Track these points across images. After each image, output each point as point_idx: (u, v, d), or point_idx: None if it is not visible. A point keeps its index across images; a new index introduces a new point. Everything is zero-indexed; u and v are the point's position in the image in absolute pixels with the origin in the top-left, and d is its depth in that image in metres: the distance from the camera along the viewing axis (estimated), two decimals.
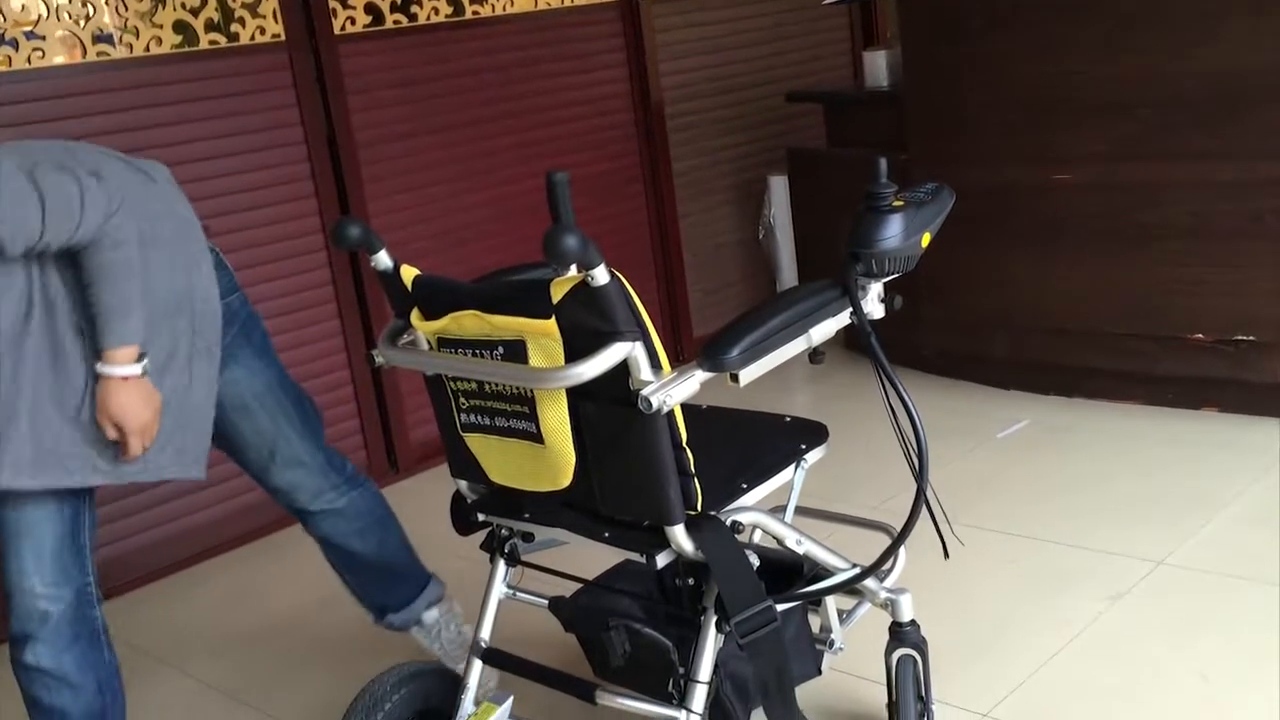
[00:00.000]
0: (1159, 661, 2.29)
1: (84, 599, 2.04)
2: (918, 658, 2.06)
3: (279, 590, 2.59)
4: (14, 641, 2.00)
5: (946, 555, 1.83)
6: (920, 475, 1.70)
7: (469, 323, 1.76)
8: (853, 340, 4.42)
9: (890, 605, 2.07)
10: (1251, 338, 3.29)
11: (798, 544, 1.92)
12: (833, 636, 2.10)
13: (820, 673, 2.07)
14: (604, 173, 4.33)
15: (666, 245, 4.61)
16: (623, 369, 1.64)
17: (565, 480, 1.79)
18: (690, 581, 1.92)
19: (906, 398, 1.70)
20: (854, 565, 2.00)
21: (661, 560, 1.77)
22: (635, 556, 1.81)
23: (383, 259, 1.86)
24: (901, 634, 2.07)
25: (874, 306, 1.82)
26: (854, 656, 2.13)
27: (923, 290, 3.73)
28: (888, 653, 2.07)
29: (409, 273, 1.85)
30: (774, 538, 1.93)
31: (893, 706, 2.09)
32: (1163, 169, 3.34)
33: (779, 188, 4.71)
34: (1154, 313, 3.45)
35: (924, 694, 2.08)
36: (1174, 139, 3.30)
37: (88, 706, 2.04)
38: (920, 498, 1.71)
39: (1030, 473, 3.23)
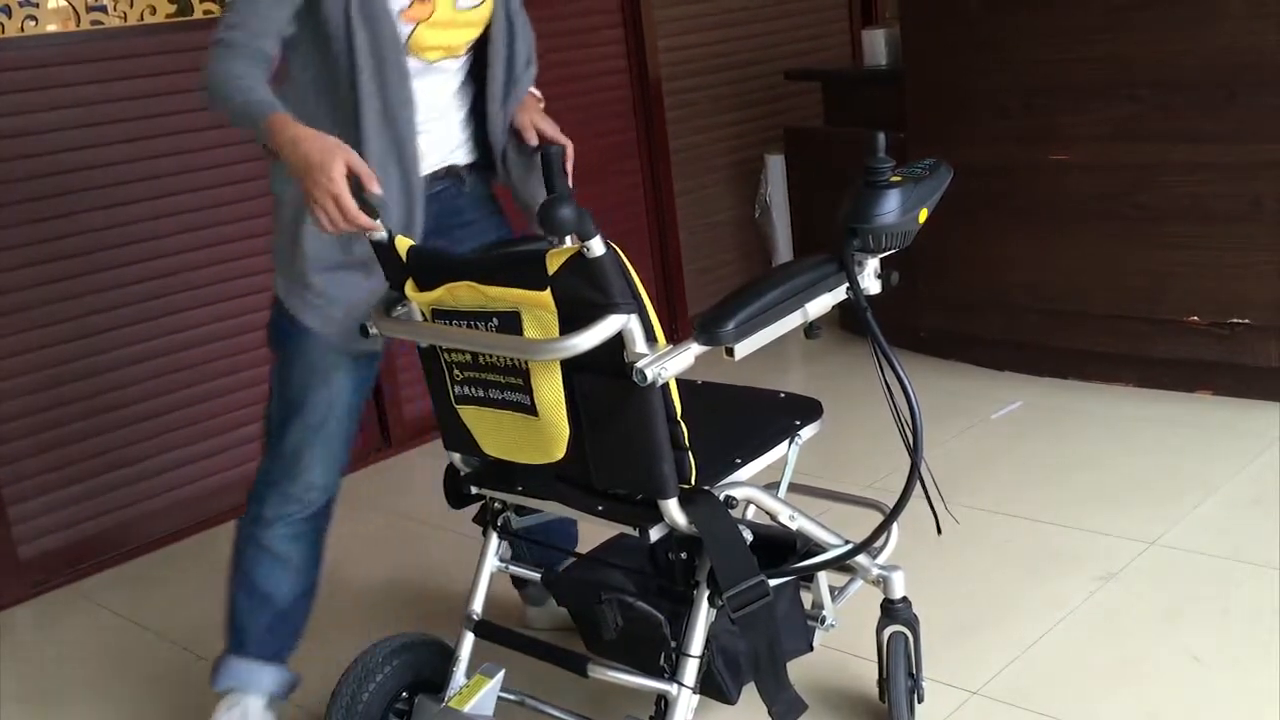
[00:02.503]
0: (1150, 642, 2.29)
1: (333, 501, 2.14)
2: (909, 634, 2.07)
3: None
4: (260, 519, 2.05)
5: (939, 531, 1.83)
6: (914, 451, 1.70)
7: (464, 294, 1.75)
8: (848, 320, 4.43)
9: (882, 582, 2.07)
10: (1246, 321, 3.29)
11: (791, 519, 1.92)
12: (824, 613, 2.10)
13: (812, 649, 2.07)
14: (600, 149, 4.32)
15: (662, 223, 4.59)
16: (618, 341, 1.63)
17: (559, 453, 1.78)
18: (683, 556, 1.92)
19: (901, 373, 1.70)
20: (847, 542, 2.00)
21: (655, 534, 1.77)
22: (628, 530, 1.81)
23: (378, 229, 1.85)
24: (893, 611, 2.07)
25: (870, 282, 1.82)
26: (846, 633, 2.13)
27: (919, 270, 3.73)
28: (879, 629, 2.08)
29: (404, 243, 1.84)
30: (767, 513, 1.93)
31: (883, 683, 2.09)
32: (1162, 151, 3.33)
33: (776, 166, 4.69)
34: (1150, 295, 3.45)
35: (915, 671, 2.08)
36: (1173, 121, 3.29)
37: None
38: (914, 473, 1.70)
39: (1024, 454, 3.23)
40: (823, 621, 2.10)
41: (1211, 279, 3.32)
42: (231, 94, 1.83)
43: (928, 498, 1.77)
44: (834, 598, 2.11)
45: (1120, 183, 3.42)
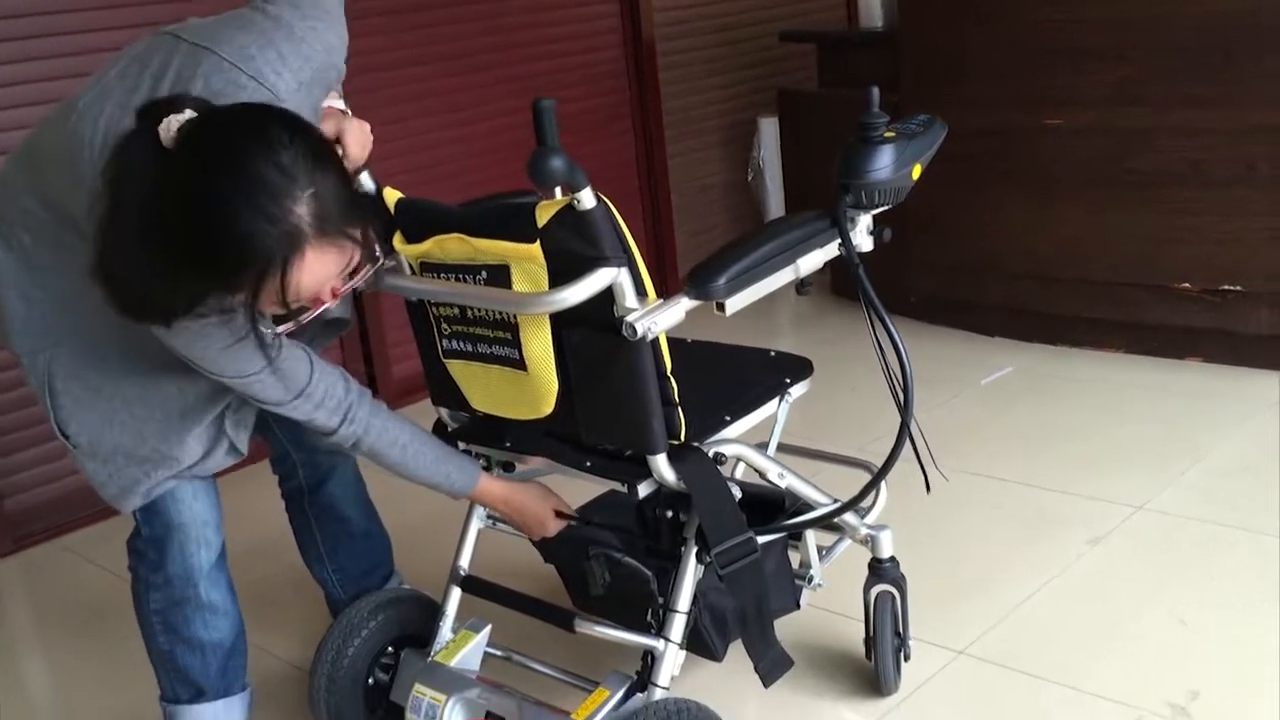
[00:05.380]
0: (1137, 605, 2.30)
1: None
2: (896, 594, 2.07)
3: (253, 516, 2.58)
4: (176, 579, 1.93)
5: (929, 489, 1.83)
6: (905, 409, 1.69)
7: (452, 246, 1.73)
8: (840, 284, 4.42)
9: (870, 541, 2.07)
10: (1239, 287, 3.28)
11: (780, 477, 1.91)
12: (812, 572, 2.10)
13: (799, 607, 2.07)
14: (592, 109, 4.28)
15: (654, 185, 4.57)
16: (608, 295, 1.62)
17: (547, 408, 1.77)
18: (671, 513, 1.91)
19: (892, 329, 1.69)
20: (836, 501, 1.99)
21: (643, 490, 1.76)
22: (617, 486, 1.80)
23: (365, 181, 1.82)
24: (881, 570, 2.07)
25: (863, 239, 1.80)
26: (833, 593, 2.13)
27: (911, 235, 3.70)
28: (866, 588, 2.08)
29: (392, 195, 1.82)
30: (756, 471, 1.92)
31: (870, 642, 2.10)
32: (1157, 115, 3.31)
33: (769, 129, 4.66)
34: (1143, 261, 3.44)
35: (901, 630, 2.08)
36: (1169, 85, 3.27)
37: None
38: (904, 431, 1.70)
39: (1013, 419, 3.23)
40: (810, 580, 2.10)
41: (1204, 245, 3.31)
42: (420, 468, 1.87)
43: (917, 455, 1.77)
44: (822, 557, 2.11)
45: (1115, 147, 3.40)
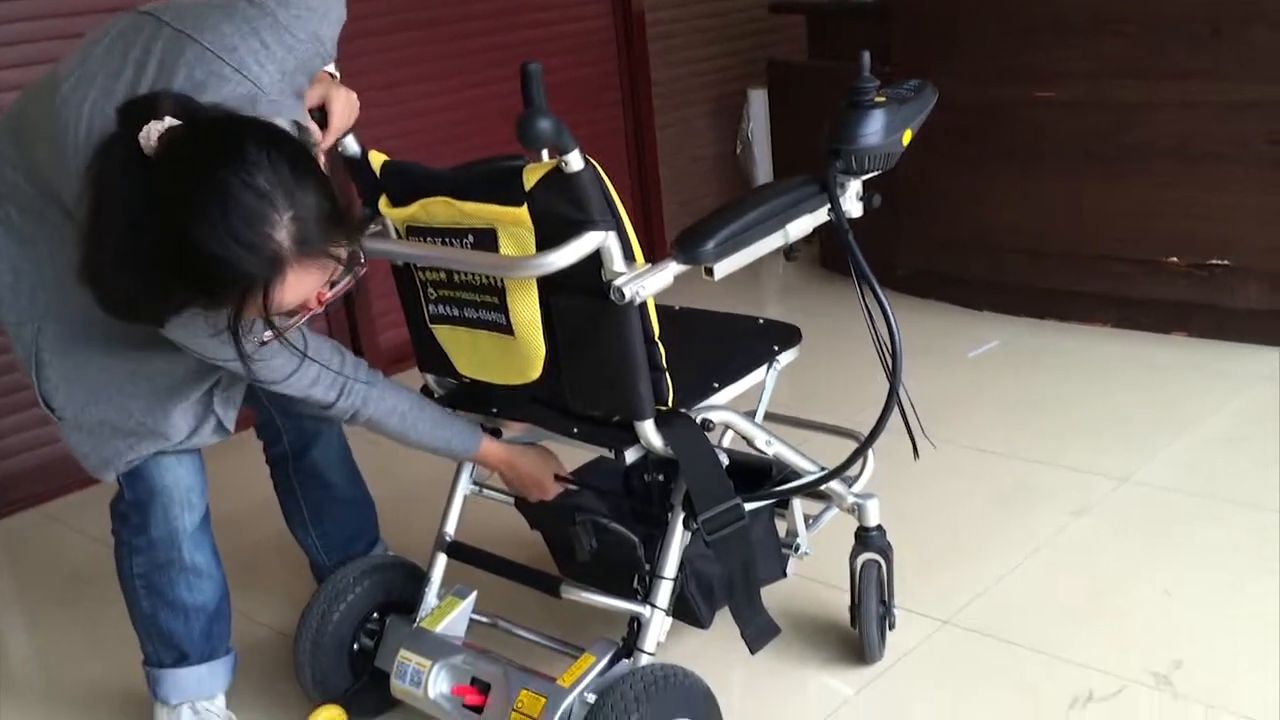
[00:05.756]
0: (1121, 576, 2.31)
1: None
2: (882, 562, 2.07)
3: (238, 484, 2.57)
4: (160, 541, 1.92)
5: (916, 455, 1.82)
6: (893, 374, 1.69)
7: (439, 210, 1.72)
8: (828, 258, 4.41)
9: (857, 509, 2.07)
10: (1226, 262, 3.29)
11: (767, 444, 1.91)
12: (799, 541, 2.10)
13: (785, 575, 2.07)
14: (581, 79, 4.25)
15: (643, 156, 4.54)
16: (595, 259, 1.60)
17: (535, 373, 1.76)
18: (659, 479, 1.91)
19: (880, 294, 1.68)
20: (823, 469, 1.99)
21: (630, 456, 1.75)
22: (604, 452, 1.79)
23: (350, 144, 1.81)
24: (867, 538, 2.07)
25: (852, 205, 1.79)
26: (819, 562, 2.13)
27: (900, 208, 3.70)
28: (852, 556, 2.08)
29: (377, 158, 1.80)
30: (743, 438, 1.92)
31: (855, 609, 2.10)
32: (1149, 89, 3.30)
33: (758, 101, 4.64)
34: (1131, 235, 3.44)
35: (887, 598, 2.09)
36: (1161, 59, 3.26)
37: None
38: (892, 397, 1.69)
39: (1000, 392, 3.23)
40: (797, 549, 2.10)
41: (1193, 219, 3.31)
42: (422, 434, 1.87)
43: (905, 422, 1.76)
44: (808, 526, 2.12)
45: (1105, 121, 3.40)
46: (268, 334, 1.57)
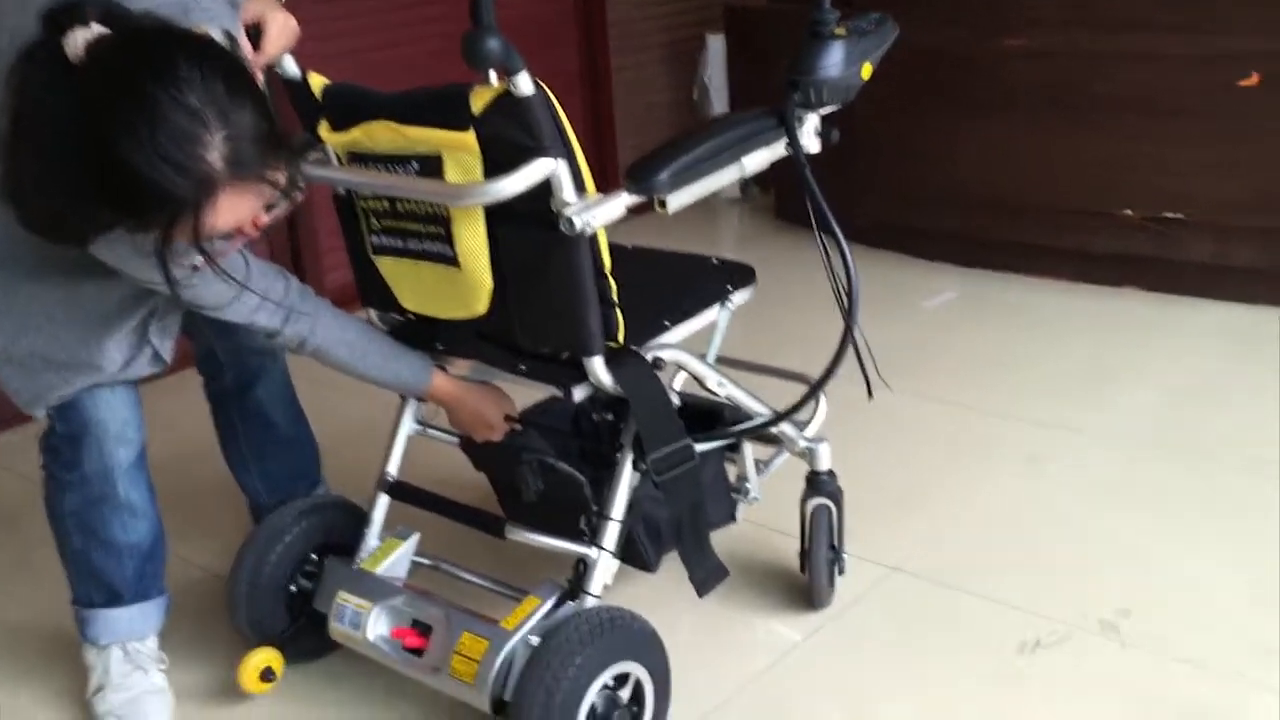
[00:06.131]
0: (1072, 525, 2.30)
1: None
2: (833, 507, 2.04)
3: (177, 423, 2.49)
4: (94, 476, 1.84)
5: (870, 395, 1.79)
6: (849, 313, 1.65)
7: (381, 134, 1.64)
8: (784, 208, 4.36)
9: (808, 454, 2.04)
10: (1181, 215, 3.28)
11: (719, 386, 1.87)
12: (749, 485, 2.07)
13: (735, 520, 2.04)
14: (535, 16, 4.15)
15: (598, 100, 4.46)
16: (545, 188, 1.54)
17: (481, 308, 1.70)
18: (608, 418, 1.87)
19: (837, 231, 1.64)
20: (775, 411, 1.96)
21: (579, 394, 1.70)
22: (552, 390, 1.74)
23: (288, 65, 1.73)
24: (818, 483, 2.04)
25: (810, 139, 1.74)
26: (769, 508, 2.10)
27: (860, 157, 3.65)
28: (803, 500, 2.05)
29: (318, 81, 1.72)
30: (695, 379, 1.87)
31: (805, 555, 2.07)
32: (1115, 39, 3.26)
33: (716, 47, 4.56)
34: (1089, 188, 3.42)
35: (837, 543, 2.06)
36: (1128, 8, 3.23)
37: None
38: (847, 337, 1.65)
39: (955, 343, 3.21)
40: (747, 494, 2.07)
41: (1152, 173, 3.29)
42: (371, 367, 1.82)
43: (860, 363, 1.73)
44: (759, 471, 2.08)
45: (1071, 71, 3.36)
46: (199, 259, 1.50)
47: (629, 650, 1.68)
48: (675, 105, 4.80)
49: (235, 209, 1.41)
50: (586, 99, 4.44)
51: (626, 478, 1.74)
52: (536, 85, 1.50)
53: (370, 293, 1.87)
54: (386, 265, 1.80)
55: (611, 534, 1.73)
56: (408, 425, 1.99)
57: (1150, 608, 2.02)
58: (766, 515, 2.17)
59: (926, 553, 2.23)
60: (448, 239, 1.66)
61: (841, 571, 2.08)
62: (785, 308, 3.00)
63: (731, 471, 2.05)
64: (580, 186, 1.57)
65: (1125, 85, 3.26)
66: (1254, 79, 3.04)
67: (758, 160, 1.71)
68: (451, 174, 1.60)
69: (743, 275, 1.96)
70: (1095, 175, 3.40)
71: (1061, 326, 3.25)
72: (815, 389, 1.74)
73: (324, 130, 1.72)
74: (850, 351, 1.70)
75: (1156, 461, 2.50)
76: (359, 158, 1.70)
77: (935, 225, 3.79)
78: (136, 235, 1.46)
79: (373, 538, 1.96)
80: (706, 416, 1.98)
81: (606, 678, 1.64)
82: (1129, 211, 3.35)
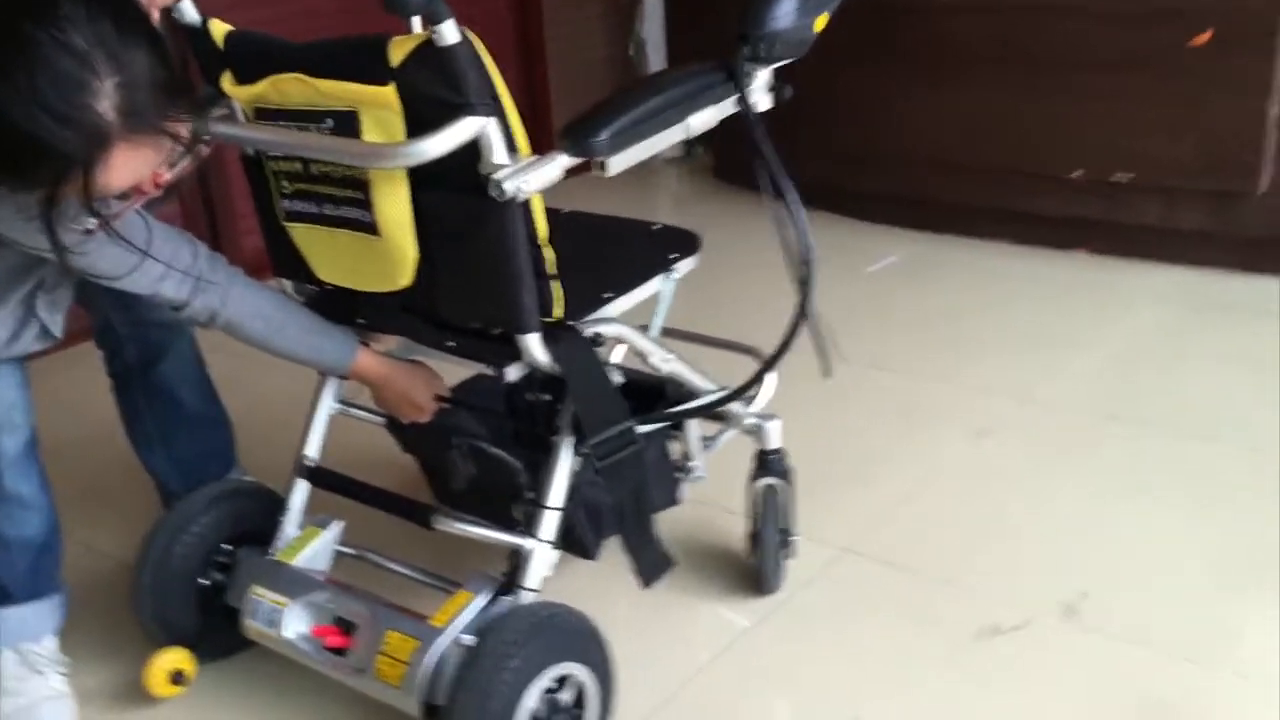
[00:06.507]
0: (1023, 499, 2.22)
1: None
2: (783, 486, 1.94)
3: (78, 401, 2.32)
4: None
5: (828, 374, 1.68)
6: (804, 283, 1.53)
7: (292, 88, 1.49)
8: (722, 169, 4.23)
9: (757, 431, 1.93)
10: (1131, 176, 3.20)
11: (664, 361, 1.75)
12: (694, 464, 1.95)
13: (679, 502, 1.93)
14: None
15: (530, 54, 4.29)
16: (473, 150, 1.40)
17: (405, 280, 1.56)
18: (545, 398, 1.74)
19: (793, 194, 1.52)
20: (723, 389, 1.84)
21: (513, 374, 1.57)
22: (483, 369, 1.61)
23: (187, 10, 1.56)
24: (768, 462, 1.93)
25: (761, 96, 1.62)
26: (713, 486, 1.99)
27: (800, 117, 3.52)
28: (751, 480, 1.94)
29: (220, 28, 1.56)
30: (638, 354, 1.75)
31: (753, 537, 1.97)
32: None
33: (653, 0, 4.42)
34: (1035, 148, 3.33)
35: (787, 525, 1.96)
36: None
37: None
38: (802, 309, 1.54)
39: (898, 308, 3.12)
40: (691, 473, 1.96)
41: (1098, 132, 3.21)
42: (289, 341, 1.68)
43: (816, 337, 1.61)
44: (704, 448, 1.97)
45: (1014, 27, 3.26)
46: (92, 222, 1.34)
47: (570, 649, 1.56)
48: (611, 61, 4.64)
49: (131, 166, 1.27)
50: (518, 53, 4.27)
51: (565, 463, 1.62)
52: (462, 34, 1.35)
53: (283, 262, 1.72)
54: (300, 233, 1.64)
55: (549, 523, 1.61)
56: (328, 404, 1.84)
57: (1109, 588, 1.94)
58: (711, 492, 2.06)
59: (877, 532, 2.14)
60: (366, 204, 1.52)
61: (792, 554, 1.98)
62: (727, 274, 2.89)
63: (674, 449, 1.93)
64: (512, 147, 1.43)
65: (1074, 42, 3.17)
66: (1206, 36, 2.96)
67: (704, 119, 1.58)
68: (369, 133, 1.45)
69: (686, 242, 1.84)
70: (1043, 135, 3.31)
71: (1009, 290, 3.18)
72: (768, 365, 1.63)
73: (227, 83, 1.56)
74: (798, 325, 1.58)
75: (1110, 431, 2.43)
76: (267, 114, 1.54)
77: (878, 187, 3.69)
78: (19, 195, 1.30)
79: (291, 526, 1.82)
80: (649, 393, 1.86)
81: (547, 680, 1.52)
82: (1078, 173, 3.27)
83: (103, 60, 1.20)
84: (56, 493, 1.78)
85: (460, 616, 1.59)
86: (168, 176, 1.34)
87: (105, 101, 1.20)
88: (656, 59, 4.48)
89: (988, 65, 3.33)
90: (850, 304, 3.12)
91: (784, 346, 1.57)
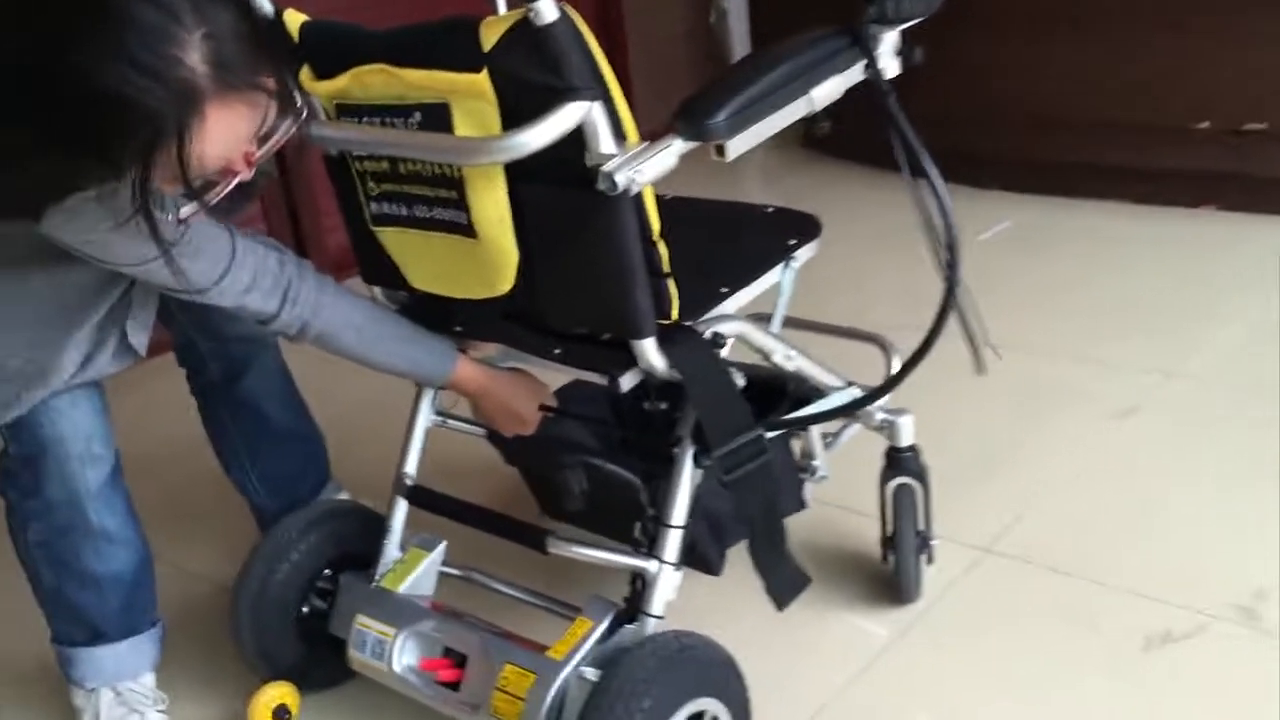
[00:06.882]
0: (1181, 486, 2.03)
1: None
2: (919, 487, 1.78)
3: (168, 411, 2.23)
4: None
5: (982, 370, 1.52)
6: (950, 267, 1.38)
7: (375, 81, 1.36)
8: (811, 137, 4.05)
9: (888, 428, 1.77)
10: (1262, 126, 2.96)
11: (787, 359, 1.59)
12: (816, 463, 1.81)
13: (805, 506, 1.78)
14: None
15: (609, 28, 4.13)
16: (578, 138, 1.26)
17: (505, 284, 1.43)
18: (662, 406, 1.60)
19: (933, 169, 1.36)
20: (850, 383, 1.69)
21: (627, 382, 1.43)
22: (594, 377, 1.47)
23: (261, 1, 1.43)
24: (900, 460, 1.78)
25: (889, 60, 1.45)
26: (836, 484, 1.84)
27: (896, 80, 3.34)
28: (883, 481, 1.79)
29: (295, 18, 1.43)
30: (758, 352, 1.60)
31: (888, 541, 1.81)
32: None
33: None
34: (1155, 100, 3.10)
35: (924, 527, 1.80)
36: None
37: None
38: (950, 296, 1.38)
39: (1018, 279, 2.92)
40: (814, 473, 1.81)
41: (1226, 80, 2.97)
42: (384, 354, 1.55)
43: (965, 327, 1.45)
44: (826, 446, 1.82)
45: None
46: (186, 208, 1.22)
47: (705, 684, 1.42)
48: (693, 36, 4.46)
49: (227, 129, 1.15)
50: (597, 29, 4.10)
51: (687, 478, 1.47)
52: (561, 11, 1.21)
53: (372, 269, 1.60)
54: (390, 238, 1.52)
55: (672, 544, 1.47)
56: (426, 416, 1.72)
57: None
58: (830, 491, 1.90)
59: (1019, 530, 1.97)
60: (461, 204, 1.38)
61: (930, 560, 1.82)
62: (829, 252, 2.72)
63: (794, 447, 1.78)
64: (620, 134, 1.28)
65: None
66: None
67: (828, 90, 1.42)
68: (462, 126, 1.31)
69: (805, 226, 1.68)
70: (1160, 85, 3.08)
71: (1133, 254, 2.96)
72: (913, 361, 1.46)
73: (306, 78, 1.43)
74: (945, 314, 1.42)
75: (1268, 407, 2.21)
76: (349, 110, 1.42)
77: (983, 149, 3.46)
78: (104, 191, 1.20)
79: (393, 548, 1.70)
80: (768, 391, 1.70)
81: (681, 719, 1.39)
82: (1204, 124, 3.04)
83: (188, 11, 1.09)
84: (144, 512, 1.69)
85: (580, 648, 1.46)
86: (260, 152, 1.23)
87: (194, 54, 1.09)
88: (739, 28, 4.30)
89: (1108, 13, 3.10)
90: (964, 276, 2.92)
91: (930, 339, 1.41)
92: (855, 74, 1.43)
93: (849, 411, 1.64)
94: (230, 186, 1.24)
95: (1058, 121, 3.29)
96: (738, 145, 1.32)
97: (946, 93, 3.45)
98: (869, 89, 1.42)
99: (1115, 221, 3.17)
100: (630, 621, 1.48)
